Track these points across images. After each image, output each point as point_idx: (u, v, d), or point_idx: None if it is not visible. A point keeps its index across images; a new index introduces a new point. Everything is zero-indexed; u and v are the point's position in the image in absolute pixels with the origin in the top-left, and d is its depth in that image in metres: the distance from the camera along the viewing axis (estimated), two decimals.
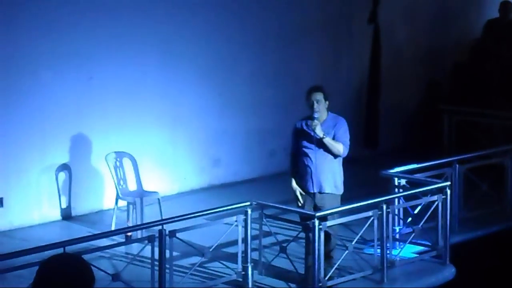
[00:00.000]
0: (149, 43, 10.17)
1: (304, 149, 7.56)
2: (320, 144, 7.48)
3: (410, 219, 8.43)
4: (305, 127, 7.57)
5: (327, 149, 7.48)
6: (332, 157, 7.52)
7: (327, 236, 7.38)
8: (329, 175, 7.53)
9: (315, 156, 7.51)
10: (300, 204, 7.65)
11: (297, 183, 7.65)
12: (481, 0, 13.76)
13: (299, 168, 7.64)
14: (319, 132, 7.44)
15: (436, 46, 13.23)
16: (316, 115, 7.47)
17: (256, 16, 11.19)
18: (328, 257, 7.49)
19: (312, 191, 7.55)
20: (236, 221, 7.51)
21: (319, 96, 7.54)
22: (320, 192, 7.54)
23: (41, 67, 9.31)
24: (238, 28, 11.01)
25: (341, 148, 7.50)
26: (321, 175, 7.51)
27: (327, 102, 7.59)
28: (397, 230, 8.41)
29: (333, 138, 7.51)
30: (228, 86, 10.99)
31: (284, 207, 8.01)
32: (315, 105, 7.49)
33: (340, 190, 7.63)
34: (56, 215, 9.54)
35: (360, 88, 12.37)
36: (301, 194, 7.62)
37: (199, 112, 10.73)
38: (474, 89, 12.36)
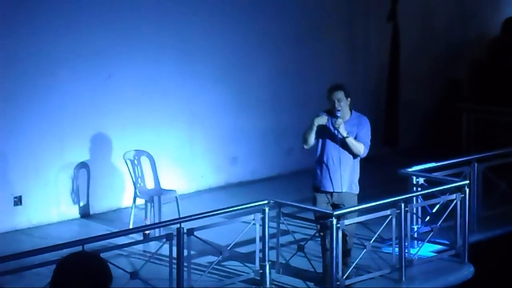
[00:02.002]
0: (166, 42, 10.19)
1: (325, 146, 7.52)
2: (343, 143, 7.46)
3: (428, 218, 8.39)
4: (328, 124, 7.52)
5: (348, 148, 7.46)
6: (351, 156, 7.50)
7: (344, 235, 7.35)
8: (347, 174, 7.50)
9: (337, 155, 7.47)
10: (325, 119, 7.44)
11: (315, 183, 7.59)
12: None
13: (318, 164, 7.59)
14: (342, 131, 7.40)
15: (455, 44, 13.17)
16: (339, 114, 7.42)
17: (273, 15, 11.18)
18: (345, 256, 7.46)
19: (330, 190, 7.53)
20: (253, 219, 7.51)
21: (340, 94, 7.48)
22: (339, 192, 7.52)
23: (60, 66, 9.34)
24: (256, 27, 11.00)
25: (361, 148, 7.46)
26: (341, 174, 7.47)
27: (349, 100, 7.53)
28: (415, 229, 8.38)
29: (355, 138, 7.48)
30: (245, 85, 10.99)
31: (301, 205, 8.00)
32: (337, 103, 7.43)
33: (357, 190, 7.60)
34: (75, 213, 9.57)
35: (378, 86, 12.33)
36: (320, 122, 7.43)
37: (216, 110, 10.73)
38: (493, 87, 12.30)
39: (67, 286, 2.88)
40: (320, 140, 7.55)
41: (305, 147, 7.60)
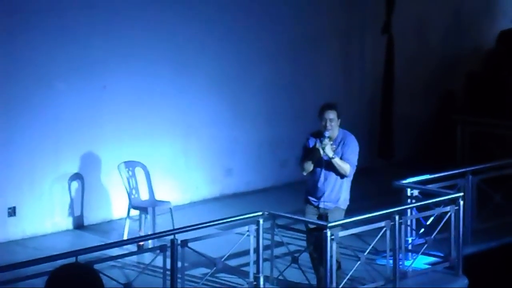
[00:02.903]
0: (162, 53, 10.20)
1: (317, 163, 7.52)
2: (329, 163, 7.45)
3: (422, 230, 8.39)
4: (318, 145, 7.51)
5: (334, 169, 7.45)
6: (339, 176, 7.50)
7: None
8: (335, 193, 7.52)
9: (324, 175, 7.48)
10: (326, 142, 7.39)
11: (305, 196, 7.62)
12: (494, 11, 13.72)
13: (308, 183, 7.62)
14: (328, 152, 7.39)
15: (450, 56, 13.20)
16: (327, 134, 7.41)
17: (268, 27, 11.20)
18: (336, 268, 7.45)
19: (316, 205, 7.56)
20: (248, 231, 7.50)
21: (332, 114, 7.46)
22: (323, 207, 7.55)
23: (55, 77, 9.35)
24: (251, 38, 11.02)
25: (347, 168, 7.45)
26: (329, 193, 7.50)
27: (339, 120, 7.55)
28: (410, 241, 8.38)
29: (341, 157, 7.47)
30: (240, 96, 11.00)
31: (296, 217, 7.99)
32: (328, 123, 7.42)
33: (346, 205, 7.61)
34: (69, 224, 9.56)
35: (373, 98, 12.35)
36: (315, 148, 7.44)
37: (211, 121, 10.74)
38: (488, 100, 12.32)
39: None
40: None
41: (304, 174, 7.61)
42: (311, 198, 7.58)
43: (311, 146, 7.57)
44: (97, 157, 9.74)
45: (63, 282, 2.89)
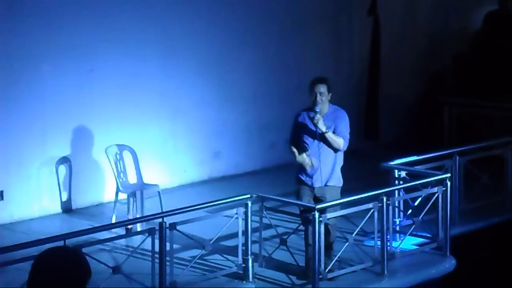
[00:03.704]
0: (149, 36, 10.16)
1: (305, 142, 7.53)
2: (322, 138, 7.45)
3: (410, 211, 8.43)
4: (307, 121, 7.53)
5: (328, 143, 7.46)
6: (332, 150, 7.50)
7: (327, 229, 7.37)
8: (329, 168, 7.52)
9: (317, 150, 7.48)
10: (311, 165, 7.43)
11: (298, 176, 7.61)
12: None
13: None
14: (321, 126, 7.39)
15: (436, 37, 13.20)
16: (317, 109, 7.40)
17: (255, 9, 11.17)
18: (328, 249, 7.49)
19: (311, 185, 7.54)
20: (236, 213, 7.52)
21: (323, 88, 7.47)
22: (319, 186, 7.53)
23: (41, 60, 9.30)
24: (238, 20, 10.99)
25: (341, 142, 7.47)
26: (322, 169, 7.49)
27: (330, 94, 7.54)
28: (398, 222, 8.42)
29: (334, 132, 7.48)
30: (228, 79, 10.98)
31: (284, 199, 8.02)
32: (318, 97, 7.42)
33: (341, 182, 7.62)
34: (57, 208, 9.54)
35: (360, 79, 12.35)
36: (307, 164, 7.46)
37: (199, 104, 10.72)
38: (475, 81, 12.35)
39: (45, 281, 2.88)
40: (301, 136, 7.56)
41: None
42: (304, 178, 7.55)
43: (299, 120, 7.55)
44: (84, 141, 9.71)
45: (48, 265, 2.90)
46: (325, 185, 7.53)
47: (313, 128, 7.46)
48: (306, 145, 7.53)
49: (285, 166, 10.01)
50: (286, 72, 11.49)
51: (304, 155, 7.45)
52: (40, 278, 2.89)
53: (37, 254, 2.95)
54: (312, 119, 7.44)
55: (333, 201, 7.51)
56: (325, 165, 7.49)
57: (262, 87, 11.30)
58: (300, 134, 7.56)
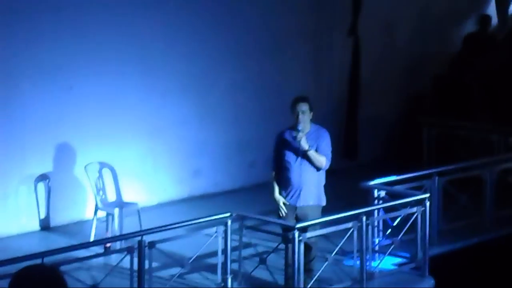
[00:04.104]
0: (128, 54, 10.15)
1: (287, 160, 7.54)
2: (305, 156, 7.46)
3: (389, 230, 8.44)
4: (289, 139, 7.55)
5: (310, 162, 7.47)
6: (314, 169, 7.52)
7: (307, 247, 7.37)
8: (312, 187, 7.54)
9: (299, 168, 7.50)
10: (283, 215, 7.60)
11: (279, 194, 7.64)
12: (460, 13, 13.85)
13: (281, 180, 7.63)
14: (304, 144, 7.42)
15: (416, 58, 13.30)
16: (299, 127, 7.44)
17: (236, 28, 11.20)
18: (307, 269, 7.48)
19: (295, 204, 7.55)
20: (216, 232, 7.49)
21: (304, 106, 7.52)
22: (302, 206, 7.54)
23: (20, 77, 9.27)
24: (218, 39, 11.01)
25: (323, 160, 7.50)
26: (304, 187, 7.52)
27: (311, 113, 7.58)
28: (377, 242, 8.42)
29: (316, 150, 7.50)
30: (208, 97, 10.98)
31: (264, 218, 8.01)
32: (300, 116, 7.46)
33: (323, 201, 7.64)
34: (35, 225, 9.47)
35: (340, 99, 12.40)
36: (284, 204, 7.61)
37: (179, 123, 10.71)
38: (454, 102, 12.44)
39: None
40: (283, 155, 7.57)
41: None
42: (286, 197, 7.57)
43: (284, 137, 7.57)
44: (64, 158, 9.67)
45: (25, 284, 2.87)
46: (307, 204, 7.52)
47: (296, 146, 7.48)
48: (288, 164, 7.53)
49: (265, 185, 9.99)
50: (267, 91, 11.51)
51: (281, 199, 7.56)
52: None
53: (14, 273, 2.92)
54: (295, 137, 7.45)
55: (312, 220, 7.50)
56: (306, 184, 7.52)
57: (242, 106, 11.31)
58: (282, 152, 7.58)
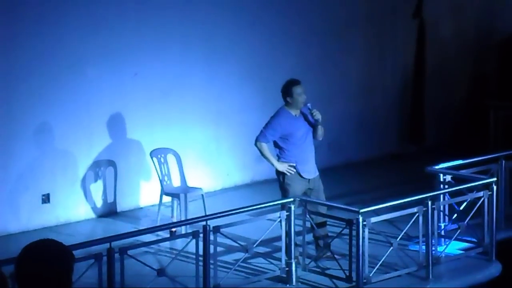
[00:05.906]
0: (192, 40, 10.21)
1: (299, 137, 7.79)
2: (313, 130, 7.81)
3: (455, 215, 8.34)
4: (300, 115, 7.80)
5: (316, 134, 7.83)
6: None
7: (321, 224, 7.72)
8: (314, 159, 7.94)
9: (309, 143, 7.87)
10: (291, 173, 7.75)
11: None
12: None
13: (294, 156, 7.77)
14: (319, 116, 7.77)
15: (483, 40, 13.06)
16: (309, 105, 7.82)
17: (300, 11, 11.16)
18: (326, 244, 7.63)
19: (312, 177, 7.83)
20: (279, 217, 7.51)
21: (303, 88, 7.88)
22: (314, 177, 7.86)
23: (87, 64, 9.40)
24: (282, 23, 10.99)
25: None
26: (313, 160, 7.91)
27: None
28: (443, 227, 8.34)
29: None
30: (271, 81, 10.95)
31: (327, 203, 8.00)
32: (303, 95, 7.81)
33: None
34: (102, 210, 9.63)
35: (405, 83, 12.27)
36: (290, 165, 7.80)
37: (242, 108, 10.74)
38: None
39: (32, 266, 3.00)
40: (294, 132, 7.74)
41: (262, 144, 8.00)
42: (303, 172, 7.78)
43: (292, 115, 7.80)
44: (129, 144, 9.79)
45: (32, 255, 3.03)
46: (317, 174, 7.91)
47: (301, 123, 7.78)
48: (300, 141, 7.78)
49: (330, 169, 9.99)
50: (331, 74, 11.44)
51: (286, 163, 7.78)
52: (26, 265, 3.02)
53: (24, 247, 3.07)
54: (311, 112, 7.75)
55: (376, 205, 7.49)
56: (312, 156, 7.88)
57: (305, 89, 11.24)
58: (293, 131, 7.78)
